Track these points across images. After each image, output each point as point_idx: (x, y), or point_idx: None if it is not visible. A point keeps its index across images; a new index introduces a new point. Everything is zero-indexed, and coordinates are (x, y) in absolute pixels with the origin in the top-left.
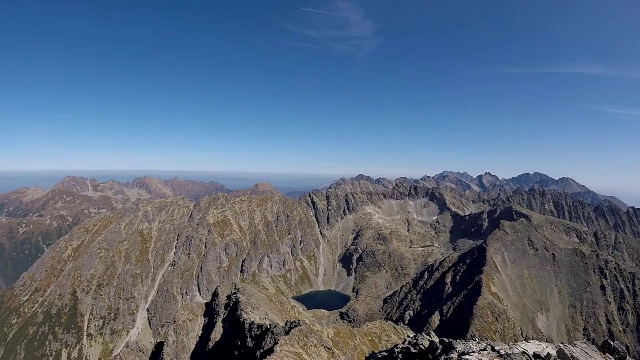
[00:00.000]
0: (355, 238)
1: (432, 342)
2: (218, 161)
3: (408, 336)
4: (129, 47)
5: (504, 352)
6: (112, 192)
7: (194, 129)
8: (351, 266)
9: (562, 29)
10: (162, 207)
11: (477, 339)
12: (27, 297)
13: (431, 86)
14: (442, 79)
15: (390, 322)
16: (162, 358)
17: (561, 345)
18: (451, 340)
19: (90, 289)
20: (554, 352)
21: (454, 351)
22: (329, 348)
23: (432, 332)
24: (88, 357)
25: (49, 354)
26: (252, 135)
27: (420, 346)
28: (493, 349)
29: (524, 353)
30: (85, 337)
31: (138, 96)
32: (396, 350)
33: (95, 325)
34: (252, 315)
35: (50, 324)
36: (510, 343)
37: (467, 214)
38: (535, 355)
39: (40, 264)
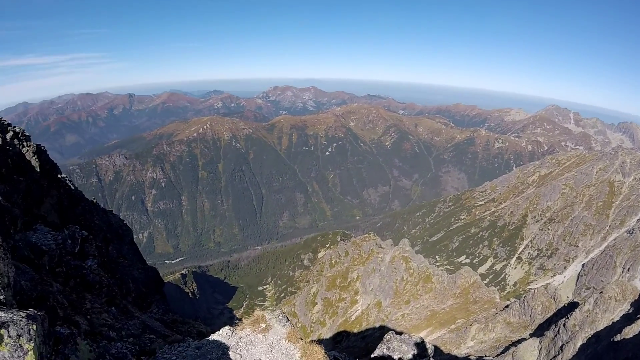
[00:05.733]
0: None
1: None
2: None
3: None
4: None
5: None
6: (594, 131)
7: None
8: None
9: None
10: None
11: None
12: (482, 202)
13: None
14: None
15: None
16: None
17: None
18: None
19: (541, 219)
20: None
21: None
22: None
23: None
24: (507, 276)
25: (476, 254)
26: None
27: None
28: None
29: None
30: (514, 258)
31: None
32: None
33: (528, 253)
34: None
35: (491, 233)
36: None
37: None
38: None
39: (505, 179)
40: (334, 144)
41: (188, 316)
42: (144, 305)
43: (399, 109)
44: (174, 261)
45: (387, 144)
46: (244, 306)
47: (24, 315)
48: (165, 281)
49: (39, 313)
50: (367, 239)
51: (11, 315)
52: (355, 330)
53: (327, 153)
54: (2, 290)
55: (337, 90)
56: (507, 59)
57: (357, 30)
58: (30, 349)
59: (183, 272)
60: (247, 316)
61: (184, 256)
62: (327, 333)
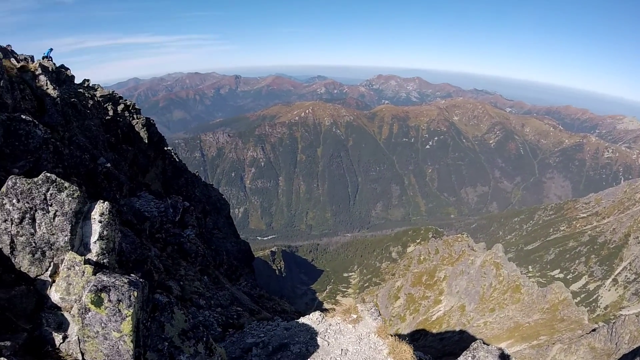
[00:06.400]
0: None
1: None
2: None
3: None
4: None
5: None
6: None
7: None
8: None
9: None
10: None
11: None
12: (584, 214)
13: None
14: None
15: None
16: None
17: None
18: None
19: None
20: None
21: None
22: None
23: None
24: (599, 297)
25: (571, 270)
26: None
27: None
28: None
29: None
30: (610, 280)
31: None
32: None
33: (625, 276)
34: None
35: (590, 249)
36: None
37: None
38: None
39: (611, 192)
40: (435, 138)
41: (273, 292)
42: (233, 277)
43: (506, 107)
44: (266, 238)
45: (490, 142)
46: (327, 290)
47: (126, 280)
48: (255, 256)
49: (141, 280)
50: (459, 239)
51: (113, 280)
52: (434, 331)
53: (428, 146)
54: (107, 254)
55: (442, 83)
56: (625, 61)
57: (466, 21)
58: (129, 315)
59: (273, 249)
60: (328, 299)
61: (276, 234)
62: (405, 329)
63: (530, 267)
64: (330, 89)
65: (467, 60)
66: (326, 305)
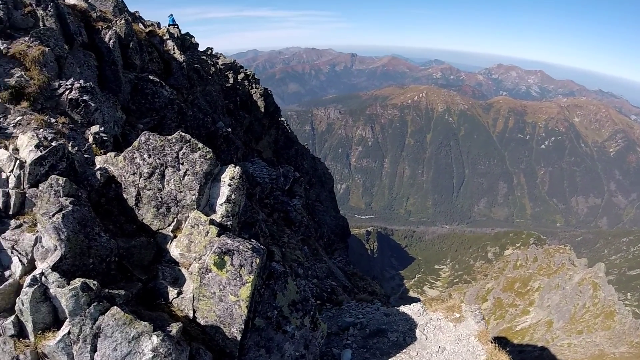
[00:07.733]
0: None
1: None
2: None
3: None
4: None
5: None
6: None
7: None
8: None
9: None
10: None
11: None
12: None
13: None
14: None
15: None
16: None
17: None
18: None
19: None
20: None
21: None
22: None
23: None
24: None
25: None
26: None
27: None
28: None
29: None
30: None
31: None
32: None
33: None
34: None
35: None
36: None
37: None
38: None
39: None
40: (552, 138)
41: (362, 271)
42: (329, 250)
43: (632, 114)
44: (363, 217)
45: (610, 150)
46: (415, 278)
47: (249, 246)
48: (351, 233)
49: (262, 246)
50: (560, 251)
51: (237, 244)
52: (515, 341)
53: (543, 146)
54: (231, 217)
55: (565, 79)
56: None
57: (599, 13)
58: (249, 282)
59: (369, 229)
60: (414, 288)
61: (373, 215)
62: None
63: (629, 294)
64: (446, 74)
65: (596, 57)
66: (412, 294)
